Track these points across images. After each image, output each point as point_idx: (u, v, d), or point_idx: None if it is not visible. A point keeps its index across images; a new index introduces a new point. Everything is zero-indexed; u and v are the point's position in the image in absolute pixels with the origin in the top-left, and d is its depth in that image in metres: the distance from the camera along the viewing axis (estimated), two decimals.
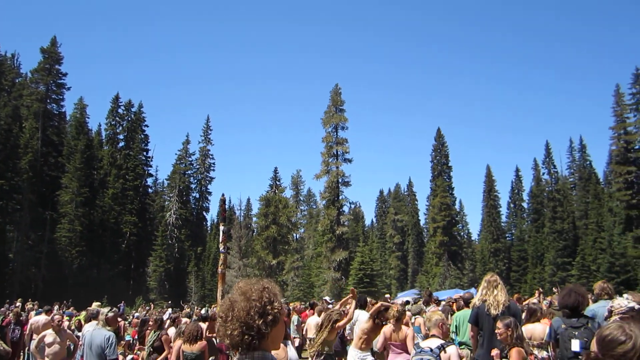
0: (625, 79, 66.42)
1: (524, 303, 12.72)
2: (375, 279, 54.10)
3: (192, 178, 74.60)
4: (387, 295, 20.74)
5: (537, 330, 7.28)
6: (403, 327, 7.48)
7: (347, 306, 8.68)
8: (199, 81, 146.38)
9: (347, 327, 10.76)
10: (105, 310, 7.86)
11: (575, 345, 5.45)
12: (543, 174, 70.10)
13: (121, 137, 64.55)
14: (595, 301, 7.02)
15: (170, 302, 39.93)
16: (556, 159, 71.44)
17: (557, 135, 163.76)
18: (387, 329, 7.64)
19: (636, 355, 2.19)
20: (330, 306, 18.91)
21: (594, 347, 2.32)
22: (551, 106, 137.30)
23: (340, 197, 57.93)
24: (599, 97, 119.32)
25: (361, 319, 9.36)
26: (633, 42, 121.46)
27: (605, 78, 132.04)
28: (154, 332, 9.65)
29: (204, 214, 79.72)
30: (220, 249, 14.36)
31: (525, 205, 73.42)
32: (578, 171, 70.43)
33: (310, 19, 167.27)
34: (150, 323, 11.40)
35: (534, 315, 7.67)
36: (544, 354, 7.01)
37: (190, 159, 73.60)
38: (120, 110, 64.76)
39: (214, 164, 76.78)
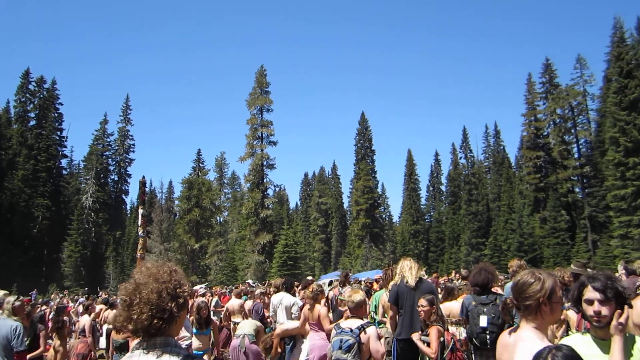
0: (537, 68, 70.12)
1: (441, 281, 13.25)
2: (299, 261, 54.56)
3: (110, 159, 71.66)
4: (310, 277, 20.87)
5: (454, 307, 7.54)
6: (317, 305, 7.47)
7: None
8: (117, 59, 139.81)
9: (271, 310, 10.73)
10: (11, 298, 7.33)
11: (483, 321, 5.69)
12: (460, 158, 73.17)
13: (32, 115, 60.60)
14: (510, 279, 7.34)
15: (86, 288, 38.34)
16: (472, 144, 74.89)
17: (474, 121, 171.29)
18: (306, 309, 7.65)
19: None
20: (254, 288, 18.83)
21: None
22: (469, 93, 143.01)
23: (264, 180, 57.73)
24: (513, 85, 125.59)
25: (285, 301, 9.34)
26: (545, 33, 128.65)
27: (519, 67, 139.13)
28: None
29: (123, 197, 76.90)
30: (140, 233, 13.98)
31: (443, 188, 76.37)
32: (492, 156, 74.04)
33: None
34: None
35: (451, 294, 7.93)
36: (461, 330, 7.28)
37: (108, 140, 70.65)
38: (31, 87, 60.81)
39: (133, 145, 74.24)
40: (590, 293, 2.79)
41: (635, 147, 37.82)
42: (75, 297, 27.13)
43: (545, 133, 56.26)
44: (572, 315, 7.09)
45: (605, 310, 2.71)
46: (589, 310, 2.78)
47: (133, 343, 1.98)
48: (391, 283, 7.15)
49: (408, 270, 6.58)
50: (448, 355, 5.19)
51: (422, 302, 5.42)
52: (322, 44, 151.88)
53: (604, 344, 2.75)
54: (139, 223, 14.01)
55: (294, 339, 8.70)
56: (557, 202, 50.80)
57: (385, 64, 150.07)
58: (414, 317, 6.35)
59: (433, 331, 5.16)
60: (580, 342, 2.85)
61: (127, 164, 73.61)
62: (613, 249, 40.04)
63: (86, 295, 23.48)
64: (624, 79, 39.45)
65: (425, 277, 16.49)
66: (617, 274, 12.71)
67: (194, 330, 8.46)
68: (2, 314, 7.04)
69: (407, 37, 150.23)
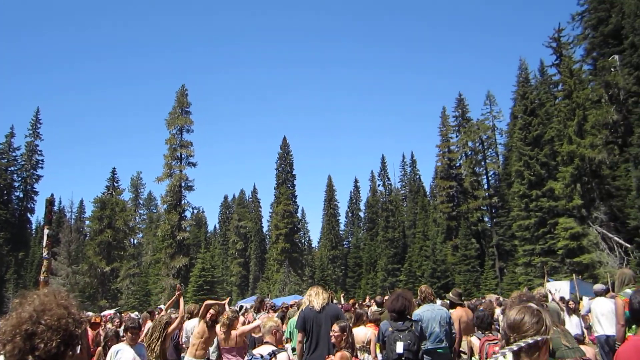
0: (451, 102, 73.76)
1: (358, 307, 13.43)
2: (216, 285, 53.41)
3: (15, 175, 67.36)
4: (226, 301, 20.45)
5: (360, 333, 7.70)
6: (232, 332, 7.42)
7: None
8: (27, 69, 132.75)
9: (184, 335, 10.44)
10: None
11: (399, 347, 5.86)
12: (378, 185, 75.04)
13: None
14: (419, 305, 7.63)
15: None
16: (390, 172, 77.15)
17: (393, 150, 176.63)
18: (220, 335, 7.56)
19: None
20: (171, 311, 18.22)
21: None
22: (389, 122, 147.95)
23: (182, 202, 56.42)
24: (430, 117, 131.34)
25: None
26: (459, 68, 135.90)
27: (436, 99, 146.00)
28: None
29: (28, 215, 72.28)
30: (44, 254, 13.12)
31: (362, 214, 77.85)
32: (409, 184, 76.69)
33: (160, 14, 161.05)
34: None
35: (360, 319, 8.08)
36: (365, 356, 7.43)
37: (14, 154, 66.51)
38: None
39: (42, 161, 70.32)
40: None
41: (538, 181, 40.41)
42: None
43: (458, 164, 58.92)
44: (475, 341, 7.47)
45: None
46: None
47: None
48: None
49: (315, 296, 6.72)
50: None
51: (335, 328, 5.50)
52: (246, 66, 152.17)
53: None
54: (44, 244, 13.11)
55: None
56: (467, 230, 53.03)
57: (308, 89, 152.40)
58: (320, 341, 6.46)
59: (337, 356, 5.25)
60: None
61: (34, 180, 69.49)
62: (518, 276, 42.14)
63: None
64: (528, 116, 42.27)
65: (342, 302, 16.73)
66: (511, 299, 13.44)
67: None
68: None
69: (331, 65, 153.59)
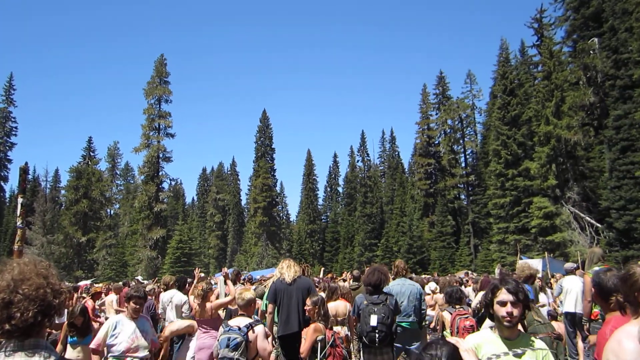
0: (432, 80, 73.87)
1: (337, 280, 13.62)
2: (193, 257, 53.42)
3: None
4: (202, 274, 20.53)
5: (340, 307, 7.83)
6: (207, 304, 7.46)
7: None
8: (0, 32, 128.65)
9: (160, 307, 10.47)
10: None
11: (374, 320, 5.96)
12: (358, 161, 75.22)
13: None
14: (393, 278, 7.75)
15: None
16: (370, 148, 77.23)
17: (373, 126, 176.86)
18: (195, 307, 7.59)
19: None
20: (146, 284, 18.22)
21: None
22: (369, 98, 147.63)
23: (160, 173, 55.94)
24: (410, 94, 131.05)
25: (175, 299, 9.21)
26: (440, 46, 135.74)
27: (416, 77, 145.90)
28: None
29: (2, 184, 71.03)
30: (18, 223, 12.95)
31: (340, 189, 78.12)
32: (387, 160, 76.97)
33: None
34: None
35: (335, 294, 8.20)
36: (345, 329, 7.58)
37: None
38: None
39: (16, 128, 68.74)
40: (503, 295, 3.00)
41: (514, 160, 40.97)
42: None
43: (437, 142, 59.26)
44: (446, 316, 7.66)
45: (516, 311, 2.96)
46: (502, 311, 2.99)
47: None
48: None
49: (286, 269, 6.81)
50: (328, 350, 5.39)
51: (308, 302, 5.61)
52: (226, 38, 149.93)
53: (510, 343, 3.00)
54: (18, 213, 12.92)
55: (182, 338, 8.58)
56: (444, 207, 53.67)
57: (288, 63, 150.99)
58: (291, 313, 6.59)
59: (310, 328, 5.35)
60: (488, 340, 3.06)
61: (7, 148, 68.07)
62: (492, 253, 42.95)
63: None
64: (507, 96, 42.62)
65: (321, 277, 16.88)
66: (492, 276, 13.79)
67: (70, 339, 7.14)
68: None
69: (312, 37, 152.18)
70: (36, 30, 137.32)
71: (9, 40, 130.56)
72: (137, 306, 5.46)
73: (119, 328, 5.36)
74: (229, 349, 4.67)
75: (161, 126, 56.20)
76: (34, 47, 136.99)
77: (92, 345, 5.48)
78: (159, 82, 56.36)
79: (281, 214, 75.98)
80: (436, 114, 59.62)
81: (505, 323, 2.97)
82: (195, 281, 8.85)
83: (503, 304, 2.99)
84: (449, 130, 57.64)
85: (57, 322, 6.32)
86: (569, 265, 11.57)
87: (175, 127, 70.34)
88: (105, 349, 5.38)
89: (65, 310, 7.60)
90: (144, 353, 5.39)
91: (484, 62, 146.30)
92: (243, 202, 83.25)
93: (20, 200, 14.06)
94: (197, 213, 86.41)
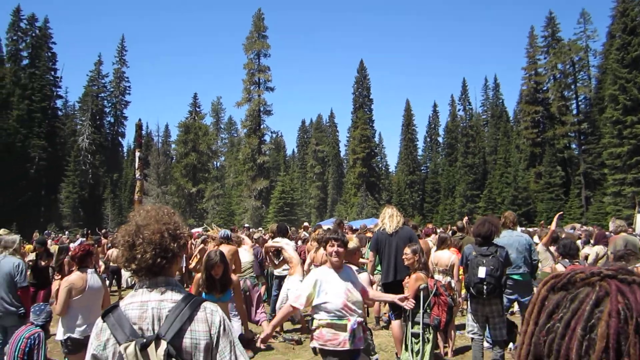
0: (540, 22, 68.82)
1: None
2: (296, 207, 55.16)
3: (106, 101, 71.00)
4: (306, 224, 21.26)
5: (443, 257, 7.81)
6: (321, 250, 7.84)
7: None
8: None
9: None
10: (16, 237, 7.57)
11: (482, 272, 5.90)
12: (459, 110, 72.68)
13: (25, 54, 59.36)
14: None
15: (86, 229, 38.85)
16: (471, 97, 74.30)
17: (474, 74, 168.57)
18: (312, 252, 8.03)
19: None
20: (252, 231, 19.21)
21: None
22: (470, 45, 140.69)
23: (261, 126, 57.58)
24: (515, 39, 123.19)
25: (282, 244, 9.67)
26: None
27: (521, 20, 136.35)
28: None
29: (120, 139, 76.85)
30: (137, 175, 14.02)
31: (440, 139, 76.28)
32: (491, 109, 73.66)
33: None
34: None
35: (444, 243, 8.18)
36: (448, 279, 7.59)
37: (103, 81, 69.67)
38: (22, 25, 59.33)
39: (129, 87, 73.43)
40: None
41: (634, 106, 37.73)
42: (76, 237, 27.53)
43: (545, 88, 55.86)
44: (560, 269, 7.41)
45: None
46: None
47: None
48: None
49: (388, 218, 6.81)
50: (432, 299, 5.43)
51: (407, 251, 5.63)
52: None
53: None
54: (136, 166, 14.06)
55: (279, 280, 9.28)
56: (553, 157, 50.99)
57: (386, 12, 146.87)
58: (392, 262, 6.67)
59: (412, 278, 5.40)
60: None
61: (123, 106, 73.03)
62: (605, 206, 40.57)
63: (85, 236, 23.90)
64: (627, 35, 38.93)
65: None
66: (607, 231, 13.06)
67: (205, 295, 6.17)
68: (4, 252, 7.29)
69: None
70: None
71: (120, 3, 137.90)
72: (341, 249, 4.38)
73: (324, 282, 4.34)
74: None
75: (261, 80, 57.44)
76: (142, 11, 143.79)
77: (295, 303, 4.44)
78: (258, 37, 57.25)
79: (380, 165, 75.82)
80: (545, 58, 55.87)
81: None
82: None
83: None
84: (559, 75, 53.91)
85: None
86: None
87: (274, 80, 71.61)
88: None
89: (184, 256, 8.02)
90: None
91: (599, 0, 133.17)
92: (342, 153, 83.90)
93: (137, 154, 15.16)
94: (297, 164, 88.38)
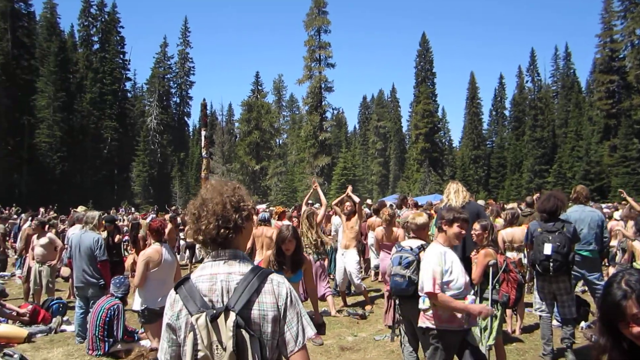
0: None
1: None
2: (358, 184, 55.14)
3: (171, 82, 73.17)
4: (369, 201, 21.22)
5: (517, 233, 7.59)
6: (394, 228, 7.78)
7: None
8: None
9: (332, 229, 11.13)
10: (96, 213, 7.98)
11: (547, 249, 5.73)
12: (526, 82, 70.00)
13: (95, 39, 61.75)
14: (570, 206, 7.27)
15: (155, 206, 40.49)
16: (540, 67, 71.01)
17: (543, 43, 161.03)
18: (379, 230, 7.99)
19: None
20: (315, 207, 19.36)
21: None
22: (538, 13, 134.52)
23: (323, 103, 57.60)
24: (586, 5, 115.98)
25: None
26: None
27: None
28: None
29: (185, 119, 79.18)
30: (203, 154, 14.40)
31: (507, 113, 73.80)
32: (561, 79, 70.20)
33: None
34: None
35: (516, 220, 7.96)
36: (521, 255, 7.38)
37: (169, 63, 71.77)
38: (92, 10, 61.67)
39: (193, 67, 75.31)
40: None
41: None
42: (146, 213, 28.73)
43: (622, 56, 52.78)
44: (637, 246, 7.07)
45: None
46: None
47: None
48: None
49: (454, 194, 6.59)
50: (501, 275, 5.30)
51: (476, 226, 5.47)
52: None
53: None
54: (202, 144, 14.45)
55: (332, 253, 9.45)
56: (629, 129, 48.35)
57: None
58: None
59: (481, 253, 5.26)
60: None
61: (187, 86, 75.05)
62: None
63: (156, 212, 24.92)
64: None
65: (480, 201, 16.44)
66: None
67: None
68: (85, 228, 7.69)
69: None
70: None
71: None
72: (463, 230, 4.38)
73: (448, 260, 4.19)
74: (401, 267, 4.82)
75: (322, 57, 57.26)
76: None
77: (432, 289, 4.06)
78: (318, 13, 56.92)
79: (443, 140, 74.36)
80: (622, 23, 52.59)
81: None
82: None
83: None
84: (637, 42, 50.65)
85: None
86: None
87: (335, 56, 71.23)
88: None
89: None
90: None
91: None
92: (404, 128, 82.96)
93: (203, 132, 15.51)
94: (359, 141, 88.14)
